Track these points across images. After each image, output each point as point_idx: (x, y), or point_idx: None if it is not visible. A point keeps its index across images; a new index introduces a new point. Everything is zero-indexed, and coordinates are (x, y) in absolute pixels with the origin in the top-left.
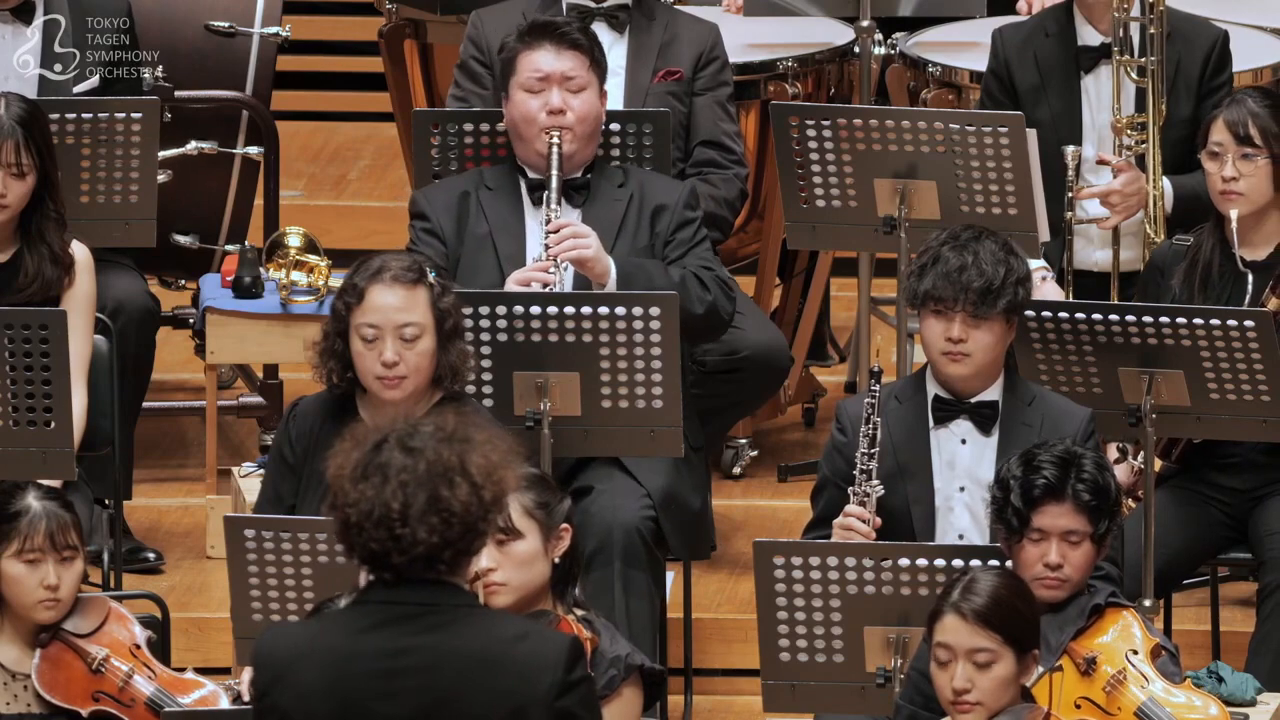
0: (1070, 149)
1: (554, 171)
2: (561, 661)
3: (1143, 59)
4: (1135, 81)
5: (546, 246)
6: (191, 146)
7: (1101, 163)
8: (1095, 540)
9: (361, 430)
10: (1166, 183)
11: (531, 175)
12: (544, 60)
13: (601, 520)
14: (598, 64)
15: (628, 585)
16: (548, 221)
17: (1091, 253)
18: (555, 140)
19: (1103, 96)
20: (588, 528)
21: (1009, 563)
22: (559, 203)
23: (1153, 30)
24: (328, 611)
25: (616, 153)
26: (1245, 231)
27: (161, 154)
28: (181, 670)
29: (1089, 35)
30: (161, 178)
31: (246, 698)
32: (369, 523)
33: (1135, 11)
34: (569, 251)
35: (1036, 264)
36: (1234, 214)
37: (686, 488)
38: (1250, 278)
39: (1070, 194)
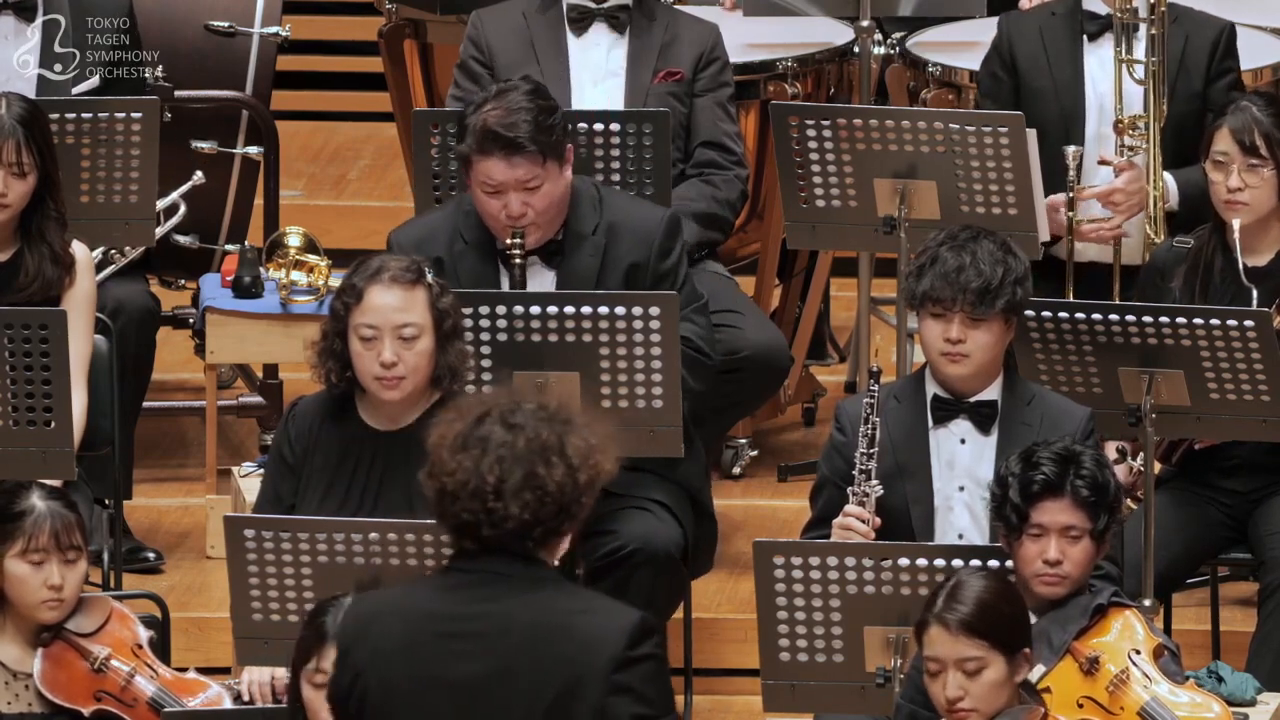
0: (1070, 149)
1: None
2: (625, 637)
3: (1143, 59)
4: (1136, 82)
5: None
6: (199, 177)
7: (1103, 163)
8: (1095, 537)
9: (466, 402)
10: (1170, 179)
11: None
12: (496, 171)
13: (637, 545)
14: (554, 152)
15: (656, 604)
16: None
17: (1090, 246)
18: (517, 257)
19: (1105, 66)
20: (619, 551)
21: (1009, 561)
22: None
23: (1154, 31)
24: (418, 577)
25: (616, 153)
26: (1248, 237)
27: (175, 194)
28: (183, 670)
29: (1096, 5)
30: (197, 177)
31: (247, 697)
32: (464, 493)
33: (1138, 12)
34: None
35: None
36: (1236, 223)
37: (705, 516)
38: (1255, 292)
39: (1071, 193)
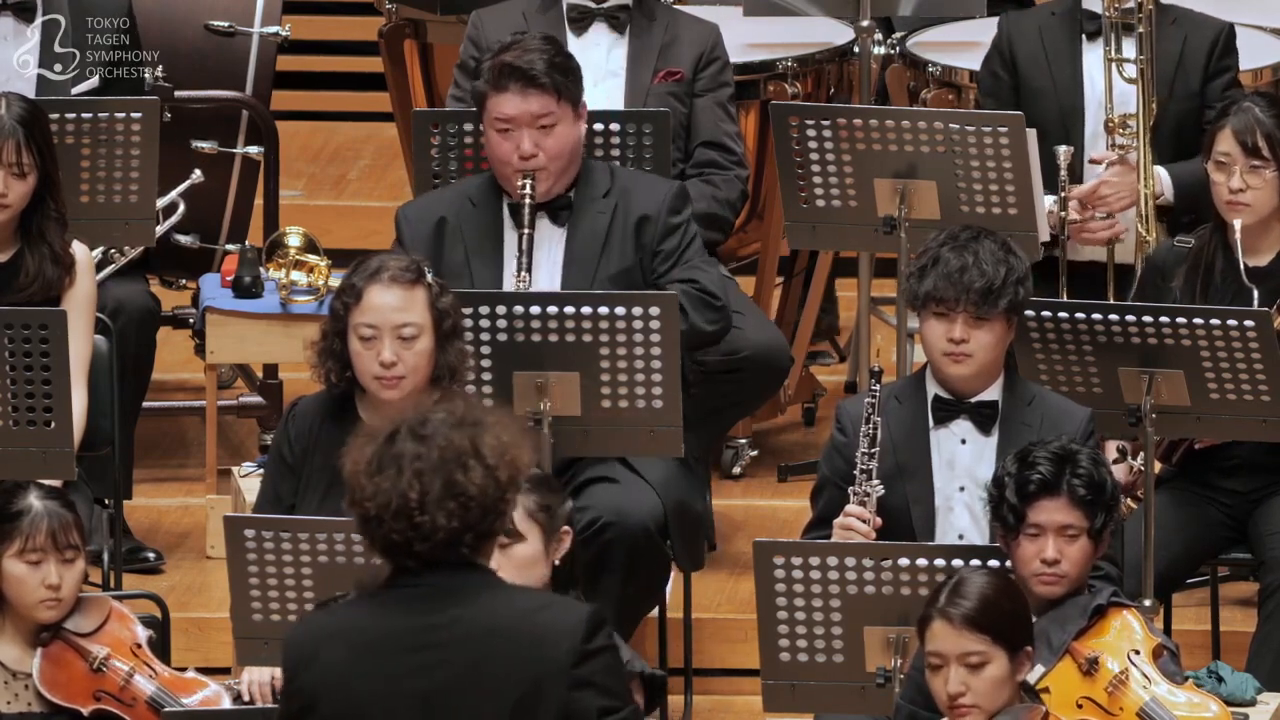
0: (1061, 149)
1: (525, 231)
2: (580, 630)
3: (1132, 57)
4: (1125, 80)
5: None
6: (197, 175)
7: (1095, 162)
8: (1092, 536)
9: (376, 425)
10: (1165, 174)
11: (512, 200)
12: (510, 105)
13: (610, 518)
14: (569, 94)
15: (639, 586)
16: (515, 288)
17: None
18: (527, 194)
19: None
20: (593, 526)
21: (1009, 561)
22: (529, 269)
23: (1141, 30)
24: (354, 597)
25: (616, 153)
26: (1249, 238)
27: (174, 192)
28: (183, 670)
29: (1095, 5)
30: (196, 176)
31: (247, 698)
32: (388, 514)
33: (1133, 11)
34: None
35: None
36: (1238, 223)
37: (692, 497)
38: (1255, 292)
39: (1063, 193)
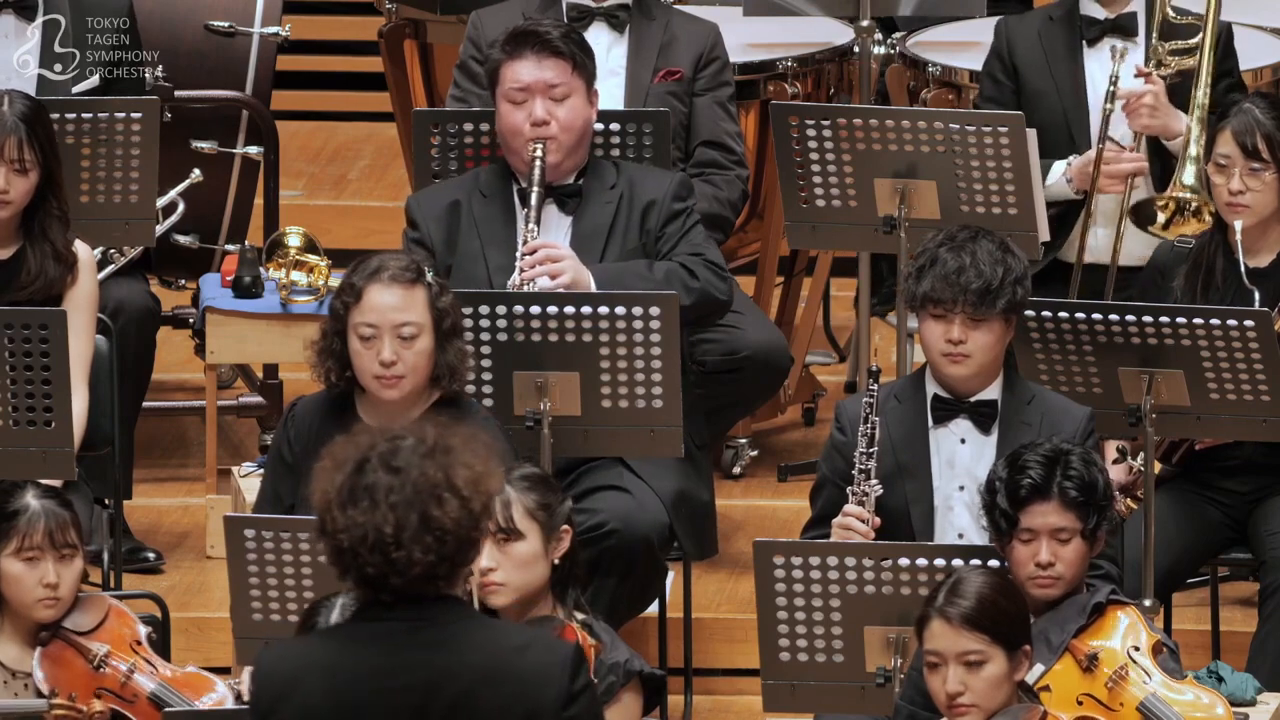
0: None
1: (535, 189)
2: (567, 671)
3: (1182, 42)
4: (1173, 9)
5: (521, 270)
6: (196, 174)
7: (1140, 75)
8: (1086, 537)
9: (340, 451)
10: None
11: (524, 184)
12: (525, 70)
13: (616, 525)
14: (583, 69)
15: (632, 591)
16: (524, 241)
17: (1101, 239)
18: (538, 155)
19: (1105, 69)
20: (598, 530)
21: (1007, 563)
22: (538, 221)
23: None
24: (327, 628)
25: (616, 152)
26: (1249, 239)
27: (173, 191)
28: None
29: (1094, 10)
30: (195, 175)
31: (247, 697)
32: (363, 548)
33: None
34: (541, 276)
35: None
36: (1238, 225)
37: (695, 486)
38: (1256, 294)
39: (1112, 87)
